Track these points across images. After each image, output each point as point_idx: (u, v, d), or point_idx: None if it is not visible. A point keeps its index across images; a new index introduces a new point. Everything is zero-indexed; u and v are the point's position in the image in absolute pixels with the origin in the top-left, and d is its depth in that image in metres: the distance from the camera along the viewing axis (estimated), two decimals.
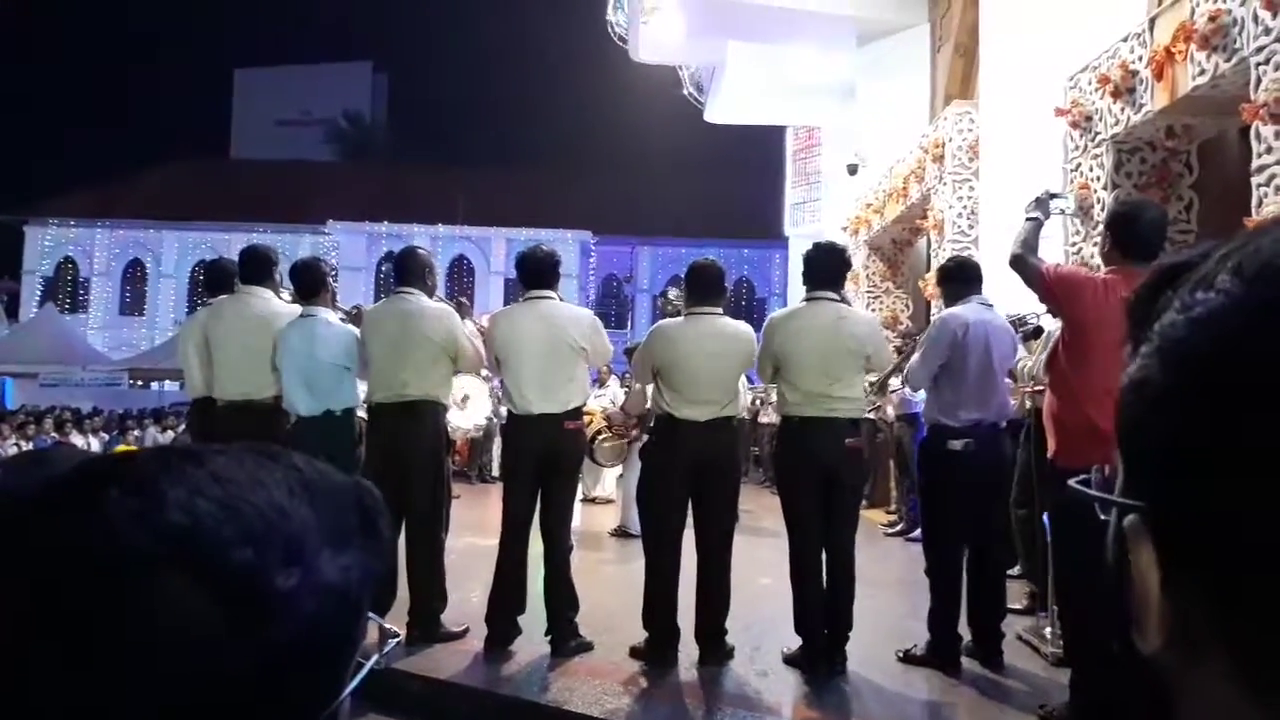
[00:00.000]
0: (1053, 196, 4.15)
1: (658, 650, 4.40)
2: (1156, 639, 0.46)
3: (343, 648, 0.58)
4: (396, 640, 0.86)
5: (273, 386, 5.15)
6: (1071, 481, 0.61)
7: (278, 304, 5.33)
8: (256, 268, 5.42)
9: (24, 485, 1.02)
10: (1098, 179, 6.43)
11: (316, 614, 0.54)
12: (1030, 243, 3.84)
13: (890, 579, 6.25)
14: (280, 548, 0.53)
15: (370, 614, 0.62)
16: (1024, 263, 3.74)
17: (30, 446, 11.33)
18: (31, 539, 0.52)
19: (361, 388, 5.19)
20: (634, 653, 4.46)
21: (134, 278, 36.13)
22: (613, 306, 36.68)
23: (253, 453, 0.59)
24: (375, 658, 0.66)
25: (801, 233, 18.18)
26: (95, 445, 12.22)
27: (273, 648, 0.52)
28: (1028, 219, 3.98)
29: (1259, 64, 4.81)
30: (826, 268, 4.57)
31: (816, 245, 4.68)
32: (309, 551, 0.55)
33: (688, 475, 4.44)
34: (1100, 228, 6.18)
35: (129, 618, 0.49)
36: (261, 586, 0.52)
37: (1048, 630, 4.51)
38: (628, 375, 7.37)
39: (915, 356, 4.73)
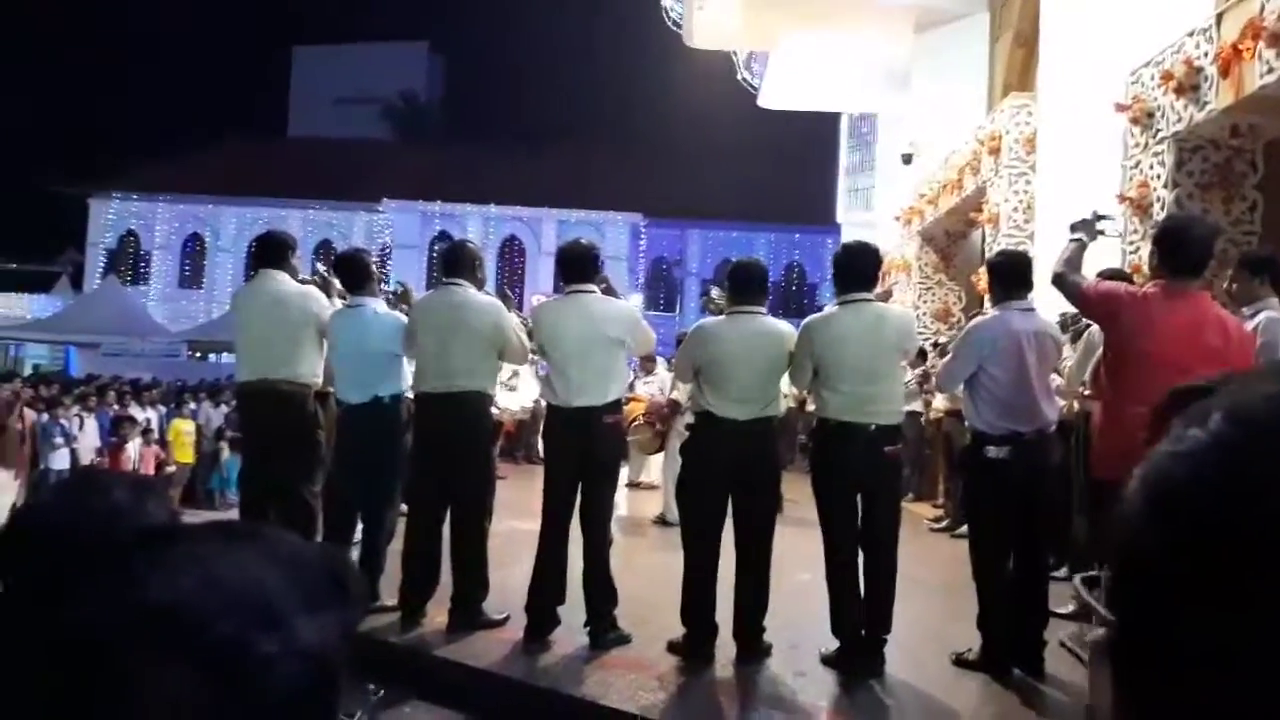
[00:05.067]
0: (1100, 218, 4.13)
1: (695, 646, 4.42)
2: None
3: (326, 705, 0.61)
4: (378, 697, 0.91)
5: (287, 368, 5.18)
6: (1076, 579, 0.61)
7: (290, 284, 5.39)
8: (271, 251, 5.53)
9: (68, 516, 1.07)
10: (1158, 177, 6.30)
11: (298, 674, 0.57)
12: (1074, 261, 3.87)
13: (934, 578, 6.20)
14: (259, 616, 0.57)
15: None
16: (1065, 281, 3.80)
17: (92, 418, 11.63)
18: (35, 627, 0.56)
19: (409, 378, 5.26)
20: (671, 647, 4.48)
21: (193, 252, 36.87)
22: (662, 289, 36.68)
23: (223, 529, 0.63)
24: (359, 714, 0.70)
25: (854, 219, 18.04)
26: (153, 417, 12.51)
27: (261, 710, 0.55)
28: (1071, 239, 3.98)
29: None
30: (859, 269, 4.52)
31: (846, 246, 4.66)
32: (285, 617, 0.58)
33: (727, 473, 4.44)
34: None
35: (124, 695, 0.53)
36: (245, 654, 0.55)
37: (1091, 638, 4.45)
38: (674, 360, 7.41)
39: (945, 360, 4.73)
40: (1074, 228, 4.13)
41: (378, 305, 5.32)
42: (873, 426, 4.31)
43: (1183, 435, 0.47)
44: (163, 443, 11.79)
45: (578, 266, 4.82)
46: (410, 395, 5.30)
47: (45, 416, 10.70)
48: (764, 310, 4.63)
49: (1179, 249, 3.51)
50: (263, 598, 0.57)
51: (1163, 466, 0.47)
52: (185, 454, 11.80)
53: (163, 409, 13.32)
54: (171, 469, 11.27)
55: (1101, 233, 4.24)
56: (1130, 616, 0.46)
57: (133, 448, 10.85)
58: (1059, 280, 3.88)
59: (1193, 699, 0.42)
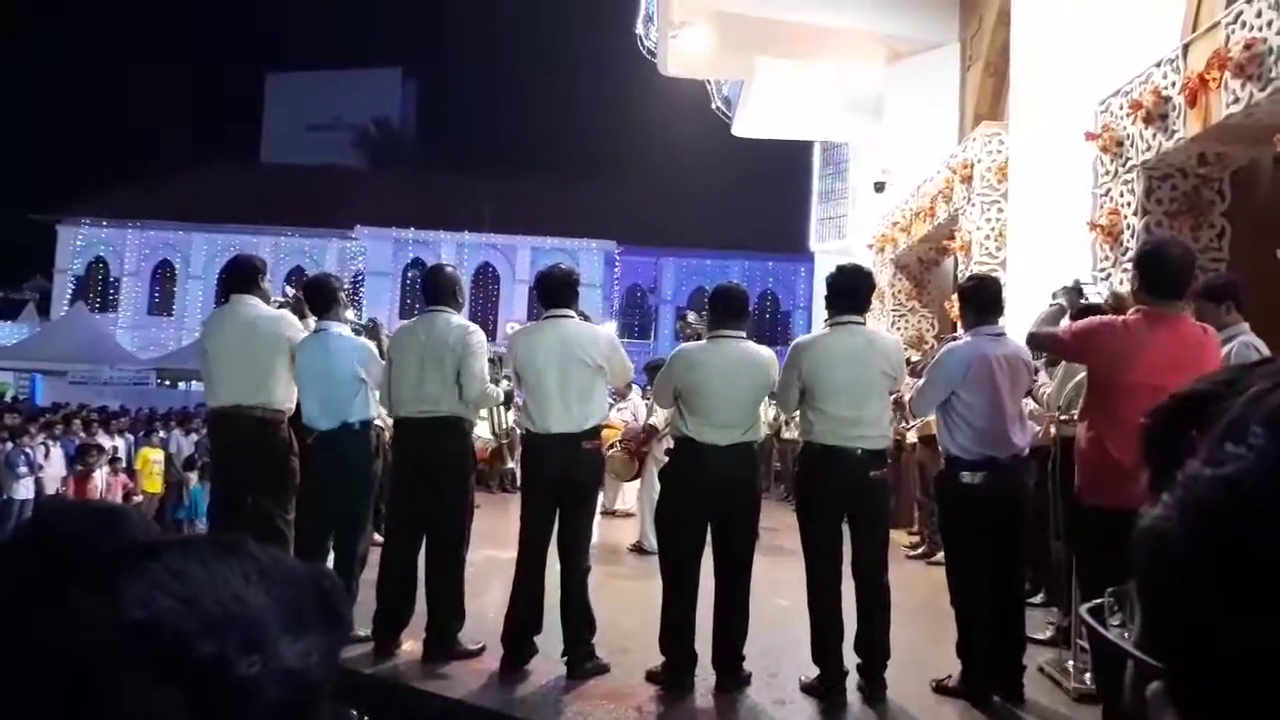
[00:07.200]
0: (1082, 285, 4.20)
1: (674, 675, 4.37)
2: None
3: None
4: None
5: (260, 394, 5.12)
6: (1082, 610, 0.57)
7: (263, 309, 5.34)
8: (241, 277, 5.47)
9: (63, 525, 1.03)
10: (1128, 205, 6.37)
11: (279, 699, 0.55)
12: (1049, 322, 3.96)
13: (913, 604, 6.15)
14: (240, 636, 0.55)
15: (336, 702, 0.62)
16: (1040, 336, 3.95)
17: (58, 446, 11.43)
18: (16, 643, 0.53)
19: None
20: (650, 676, 4.43)
21: (163, 278, 36.58)
22: (636, 317, 36.73)
23: (209, 544, 0.61)
24: None
25: (827, 248, 18.15)
26: (121, 445, 12.31)
27: None
28: (1052, 304, 4.04)
29: None
30: (851, 291, 4.49)
31: (840, 268, 4.63)
32: (268, 639, 0.56)
33: (707, 499, 4.41)
34: (1128, 256, 6.17)
35: (102, 712, 0.51)
36: (225, 676, 0.53)
37: (1070, 664, 4.45)
38: (648, 389, 7.41)
39: (918, 386, 4.72)
40: (1055, 295, 4.18)
41: (344, 329, 5.27)
42: (859, 451, 4.28)
43: (1222, 454, 0.42)
44: (130, 471, 11.61)
45: (556, 291, 4.80)
46: (379, 422, 5.24)
47: (10, 445, 10.51)
48: (745, 335, 4.61)
49: (1160, 270, 3.52)
50: (244, 618, 0.56)
51: (1207, 494, 0.42)
52: (154, 483, 11.61)
53: (131, 437, 13.11)
54: (139, 499, 11.08)
55: (1084, 297, 4.28)
56: (1189, 660, 0.43)
57: (100, 476, 10.67)
58: (1034, 339, 3.95)
59: None
